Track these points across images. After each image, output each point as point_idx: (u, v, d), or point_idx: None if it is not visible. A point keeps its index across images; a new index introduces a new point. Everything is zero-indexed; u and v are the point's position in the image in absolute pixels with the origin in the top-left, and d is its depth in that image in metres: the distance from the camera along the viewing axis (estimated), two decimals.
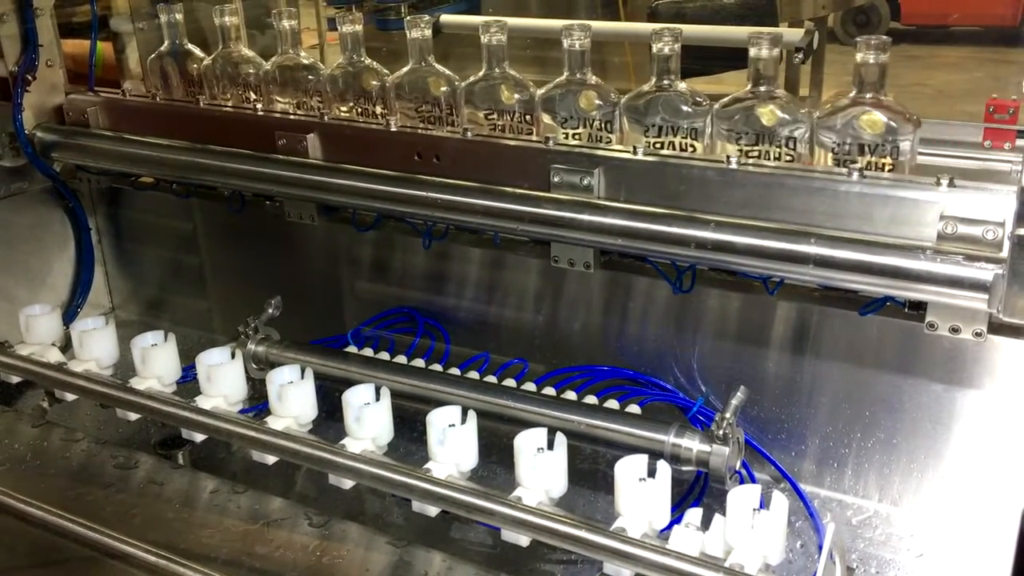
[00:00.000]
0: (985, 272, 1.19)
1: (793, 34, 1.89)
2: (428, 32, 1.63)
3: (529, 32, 2.26)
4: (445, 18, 2.28)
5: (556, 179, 1.48)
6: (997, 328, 1.31)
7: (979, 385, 1.38)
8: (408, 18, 1.63)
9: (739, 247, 1.33)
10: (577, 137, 1.54)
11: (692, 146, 1.45)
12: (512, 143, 1.56)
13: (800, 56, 2.01)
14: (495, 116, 1.59)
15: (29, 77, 1.97)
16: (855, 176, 1.30)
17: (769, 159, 1.40)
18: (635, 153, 1.45)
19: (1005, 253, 1.20)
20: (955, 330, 1.30)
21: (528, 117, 1.57)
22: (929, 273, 1.21)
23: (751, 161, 1.40)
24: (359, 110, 1.73)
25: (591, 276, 1.64)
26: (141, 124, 1.94)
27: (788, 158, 1.39)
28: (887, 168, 1.33)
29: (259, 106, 1.81)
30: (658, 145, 1.47)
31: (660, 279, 1.56)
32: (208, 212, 2.07)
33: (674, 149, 1.47)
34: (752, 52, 1.38)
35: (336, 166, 1.69)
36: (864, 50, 1.30)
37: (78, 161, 2.06)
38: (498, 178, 1.54)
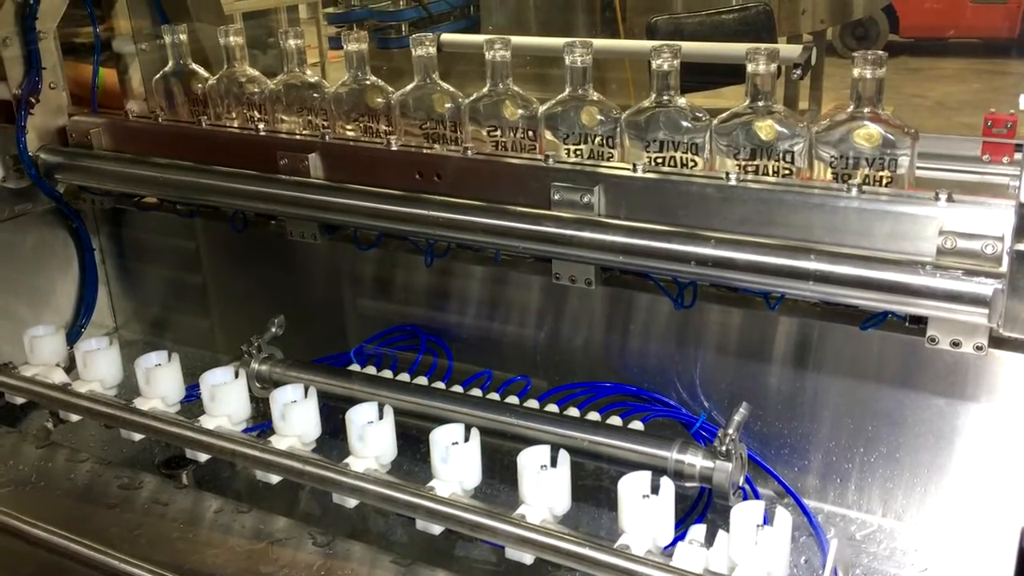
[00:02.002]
0: (985, 287, 1.19)
1: (791, 50, 1.91)
2: (432, 50, 1.64)
3: (528, 50, 2.28)
4: (445, 37, 2.29)
5: (556, 197, 1.49)
6: (998, 342, 1.31)
7: (981, 399, 1.38)
8: (412, 36, 1.64)
9: (739, 263, 1.34)
10: (579, 153, 1.54)
11: (693, 160, 1.46)
12: (513, 161, 1.56)
13: (798, 72, 2.02)
14: (498, 132, 1.60)
15: (32, 100, 1.98)
16: (854, 192, 1.31)
17: (768, 173, 1.41)
18: (635, 170, 1.45)
19: (1004, 267, 1.20)
20: (956, 344, 1.31)
21: (531, 133, 1.58)
22: (929, 288, 1.22)
23: (750, 176, 1.41)
24: (363, 127, 1.74)
25: (593, 292, 1.64)
26: (144, 145, 1.95)
27: (786, 172, 1.40)
28: (885, 182, 1.34)
29: (262, 126, 1.81)
30: (659, 160, 1.48)
31: (661, 295, 1.57)
32: (211, 232, 2.08)
33: (675, 164, 1.47)
34: (750, 68, 1.39)
35: (338, 186, 1.69)
36: (861, 65, 1.31)
37: (81, 182, 2.06)
38: (499, 196, 1.55)
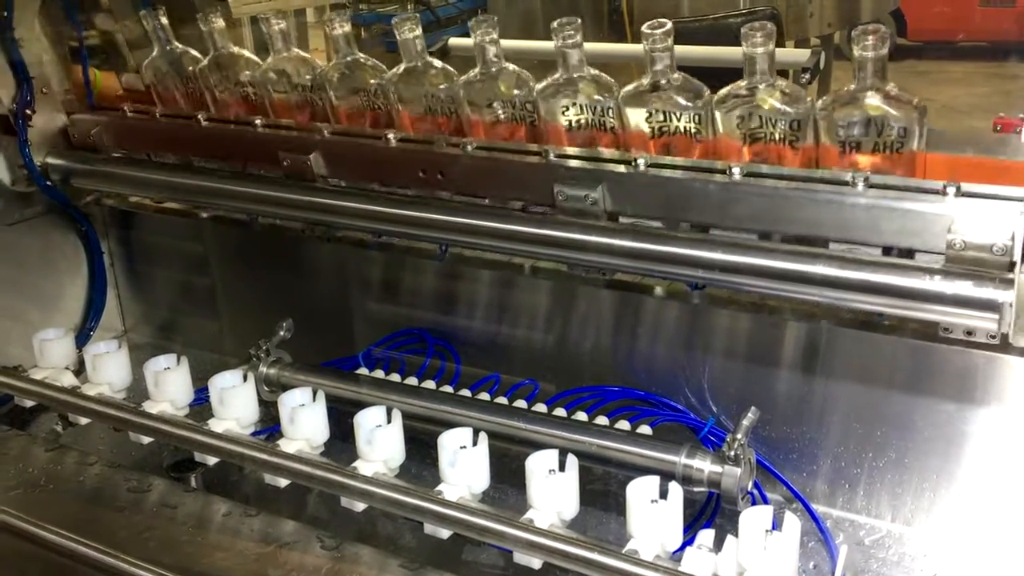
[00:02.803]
0: (995, 292, 1.18)
1: (799, 54, 1.91)
2: (418, 30, 1.62)
3: (535, 54, 2.27)
4: (453, 41, 2.30)
5: (560, 196, 1.49)
6: (1008, 346, 1.31)
7: (991, 404, 1.38)
8: (394, 21, 1.63)
9: (747, 268, 1.33)
10: (580, 123, 1.52)
11: (697, 129, 1.43)
12: (516, 159, 1.55)
13: (807, 76, 2.02)
14: (496, 106, 1.58)
15: (29, 112, 1.96)
16: (860, 186, 1.29)
17: (774, 140, 1.38)
18: (636, 167, 1.44)
19: (1015, 269, 1.19)
20: (970, 333, 1.29)
21: (528, 106, 1.56)
22: (938, 294, 1.21)
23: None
24: (360, 102, 1.71)
25: (601, 296, 1.64)
26: (144, 142, 1.95)
27: (792, 139, 1.37)
28: (895, 147, 1.31)
29: (259, 121, 1.80)
30: (664, 130, 1.45)
31: (669, 299, 1.57)
32: (220, 235, 2.08)
33: (679, 133, 1.44)
34: (746, 48, 1.35)
35: (344, 189, 1.70)
36: (862, 39, 1.28)
37: (90, 187, 2.07)
38: (502, 193, 1.55)
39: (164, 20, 1.90)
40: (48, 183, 2.01)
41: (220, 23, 1.84)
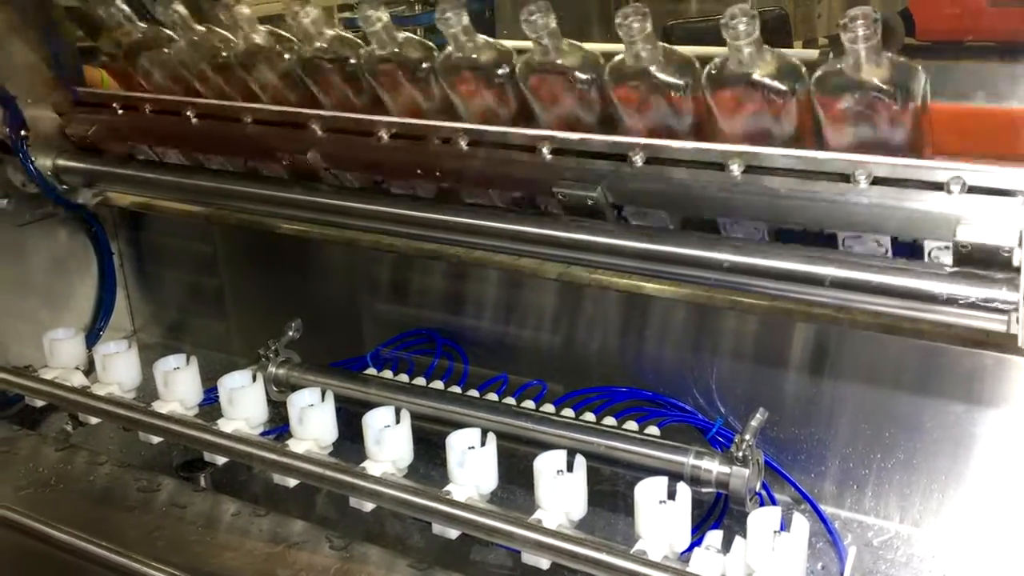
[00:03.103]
0: (1002, 294, 1.18)
1: (807, 55, 1.90)
2: (385, 17, 1.57)
3: None
4: None
5: (561, 196, 1.48)
6: (1017, 348, 1.30)
7: (1000, 405, 1.37)
8: (360, 16, 1.58)
9: (755, 269, 1.33)
10: (568, 94, 1.47)
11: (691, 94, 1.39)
12: (514, 157, 1.52)
13: None
14: (479, 72, 1.52)
15: (24, 132, 1.93)
16: (863, 183, 1.26)
17: (768, 105, 1.33)
18: (633, 164, 1.41)
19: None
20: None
21: (512, 79, 1.50)
22: (944, 296, 1.20)
23: (752, 114, 1.34)
24: (341, 78, 1.67)
25: (609, 296, 1.64)
26: (139, 139, 1.93)
27: (788, 108, 1.33)
28: (899, 103, 1.26)
29: (249, 119, 1.75)
30: (657, 94, 1.39)
31: (676, 300, 1.57)
32: (229, 235, 2.09)
33: (670, 98, 1.39)
34: (729, 41, 1.28)
35: (349, 189, 1.70)
36: (849, 27, 1.21)
37: (98, 189, 2.07)
38: (500, 191, 1.55)
39: (122, 4, 1.81)
40: (64, 187, 2.00)
41: (182, 10, 1.75)
